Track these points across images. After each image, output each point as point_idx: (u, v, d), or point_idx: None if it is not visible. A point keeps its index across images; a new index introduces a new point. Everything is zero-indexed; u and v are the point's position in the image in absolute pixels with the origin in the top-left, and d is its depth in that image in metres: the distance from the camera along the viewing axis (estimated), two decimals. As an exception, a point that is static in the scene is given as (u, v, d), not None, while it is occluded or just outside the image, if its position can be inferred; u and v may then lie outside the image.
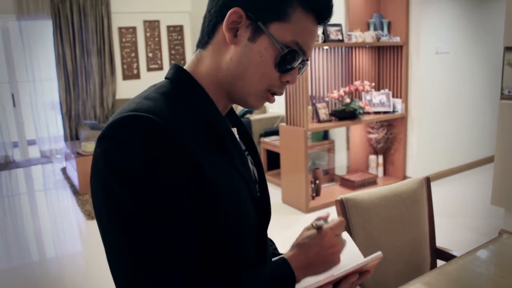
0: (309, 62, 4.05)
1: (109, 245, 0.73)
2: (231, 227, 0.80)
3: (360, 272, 0.88)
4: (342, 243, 0.89)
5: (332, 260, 0.86)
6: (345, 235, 1.09)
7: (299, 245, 0.87)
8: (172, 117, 0.74)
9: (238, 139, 0.90)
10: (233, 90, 0.85)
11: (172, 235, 0.70)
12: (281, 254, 1.12)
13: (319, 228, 0.87)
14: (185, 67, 0.87)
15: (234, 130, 0.90)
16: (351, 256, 0.98)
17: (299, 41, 0.80)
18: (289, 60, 0.80)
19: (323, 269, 0.86)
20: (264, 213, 0.91)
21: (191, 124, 0.77)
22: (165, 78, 0.86)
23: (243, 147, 0.94)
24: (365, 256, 0.96)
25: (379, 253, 0.89)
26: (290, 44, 0.79)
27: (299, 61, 0.82)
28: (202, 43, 0.86)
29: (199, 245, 0.75)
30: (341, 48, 4.63)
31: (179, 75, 0.85)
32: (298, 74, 0.87)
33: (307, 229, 0.89)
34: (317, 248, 0.85)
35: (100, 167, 0.72)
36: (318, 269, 0.86)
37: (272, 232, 1.14)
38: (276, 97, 0.88)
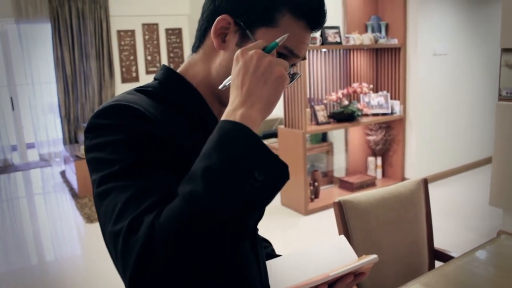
0: (304, 70, 3.95)
1: (98, 210, 0.72)
2: None
3: (355, 273, 0.89)
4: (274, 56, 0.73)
5: (272, 72, 0.69)
6: (341, 237, 1.10)
7: (231, 87, 0.72)
8: (153, 111, 0.75)
9: None
10: (222, 94, 0.85)
11: (153, 191, 0.67)
12: (279, 255, 1.13)
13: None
14: (178, 70, 0.88)
15: None
16: (346, 257, 0.99)
17: (288, 45, 0.79)
18: None
19: (267, 89, 0.69)
20: None
21: (176, 120, 0.79)
22: (154, 78, 0.88)
23: None
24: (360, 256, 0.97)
25: (375, 256, 0.90)
26: (278, 49, 0.77)
27: (288, 68, 0.80)
28: (195, 47, 0.88)
29: None
30: (339, 50, 4.64)
31: (168, 75, 0.86)
32: (290, 82, 0.85)
33: None
34: (243, 71, 0.70)
35: (89, 154, 0.73)
36: (261, 90, 0.69)
37: (271, 234, 1.15)
38: None
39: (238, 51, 0.72)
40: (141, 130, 0.71)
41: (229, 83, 0.74)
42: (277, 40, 0.73)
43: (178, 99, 0.83)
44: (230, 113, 0.68)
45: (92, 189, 0.75)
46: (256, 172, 0.63)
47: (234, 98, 0.70)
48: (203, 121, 0.83)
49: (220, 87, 0.78)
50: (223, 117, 0.69)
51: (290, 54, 0.81)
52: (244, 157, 0.63)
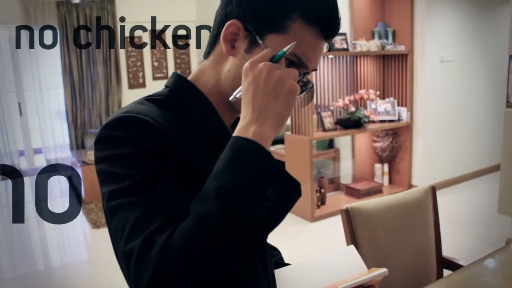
0: (312, 77, 3.94)
1: (110, 226, 0.72)
2: None
3: (364, 286, 0.88)
4: (283, 67, 0.71)
5: (283, 86, 0.68)
6: (351, 248, 1.09)
7: (242, 102, 0.71)
8: (162, 121, 0.74)
9: None
10: (234, 101, 0.85)
11: (164, 209, 0.67)
12: (287, 264, 1.12)
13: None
14: (188, 77, 0.88)
15: None
16: (355, 268, 0.98)
17: (298, 53, 0.77)
18: None
19: (279, 104, 0.68)
20: None
21: (186, 129, 0.78)
22: (165, 86, 0.87)
23: None
24: (369, 266, 0.96)
25: (385, 270, 0.89)
26: (287, 56, 0.75)
27: (298, 76, 0.79)
28: (206, 53, 0.88)
29: None
30: (346, 57, 4.64)
31: (178, 83, 0.86)
32: (302, 92, 0.84)
33: None
34: (253, 86, 0.69)
35: (99, 166, 0.74)
36: (273, 105, 0.68)
37: (278, 242, 1.14)
38: None
39: (247, 64, 0.70)
40: (150, 144, 0.70)
41: (240, 95, 0.73)
42: (285, 49, 0.72)
43: (188, 108, 0.82)
44: (243, 129, 0.67)
45: (102, 201, 0.75)
46: (268, 191, 0.63)
47: (245, 114, 0.69)
48: (213, 131, 0.83)
49: (230, 99, 0.77)
50: (235, 133, 0.68)
51: (299, 63, 0.79)
52: (257, 177, 0.63)
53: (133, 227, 0.65)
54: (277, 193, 0.63)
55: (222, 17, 0.81)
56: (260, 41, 0.77)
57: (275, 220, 0.66)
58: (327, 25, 0.79)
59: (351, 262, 0.93)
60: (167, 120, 0.76)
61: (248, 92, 0.69)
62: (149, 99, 0.82)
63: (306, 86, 0.86)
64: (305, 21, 0.76)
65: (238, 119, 0.93)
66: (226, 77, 0.83)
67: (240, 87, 0.72)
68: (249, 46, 0.79)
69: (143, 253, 0.62)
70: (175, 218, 0.65)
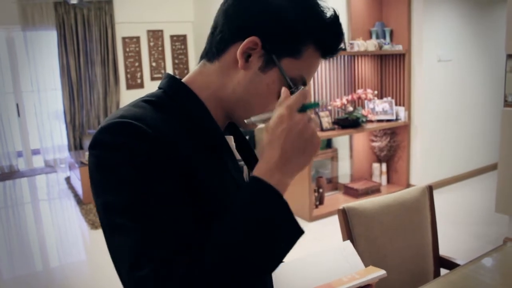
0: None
1: (109, 243, 0.73)
2: None
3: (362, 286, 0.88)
4: (313, 120, 0.76)
5: (313, 143, 0.73)
6: (347, 244, 1.09)
7: (265, 145, 0.74)
8: (158, 123, 0.75)
9: (234, 148, 0.90)
10: (233, 111, 0.86)
11: (167, 230, 0.69)
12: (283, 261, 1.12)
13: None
14: (184, 78, 0.87)
15: (231, 138, 0.90)
16: (352, 265, 0.98)
17: (304, 76, 0.82)
18: (292, 93, 0.80)
19: (304, 158, 0.73)
20: None
21: (181, 130, 0.78)
22: (158, 87, 0.87)
23: (239, 156, 0.93)
24: (366, 265, 0.96)
25: (383, 272, 0.89)
26: (297, 79, 0.81)
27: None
28: (209, 56, 0.85)
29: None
30: (344, 56, 4.64)
31: (172, 84, 0.85)
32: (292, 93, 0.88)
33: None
34: (286, 134, 0.72)
35: (93, 174, 0.74)
36: (298, 159, 0.73)
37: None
38: None
39: (284, 110, 0.72)
40: (145, 153, 0.71)
41: (261, 121, 0.78)
42: (319, 102, 0.78)
43: (183, 109, 0.82)
44: (266, 172, 0.71)
45: (95, 206, 0.76)
46: (281, 242, 0.71)
47: (270, 157, 0.72)
48: (209, 131, 0.83)
49: (251, 121, 0.81)
50: (256, 172, 0.72)
51: (303, 82, 0.83)
52: (273, 229, 0.69)
53: (137, 251, 0.67)
54: (287, 243, 0.71)
55: (238, 27, 0.81)
56: (278, 64, 0.79)
57: (277, 263, 0.73)
58: (332, 50, 0.84)
59: (348, 259, 0.94)
60: (163, 122, 0.76)
61: (280, 138, 0.72)
62: (145, 100, 0.82)
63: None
64: (316, 48, 0.81)
65: (230, 124, 0.94)
66: (233, 89, 0.83)
67: (266, 115, 0.77)
68: (264, 65, 0.80)
69: (156, 282, 0.65)
70: (178, 246, 0.68)
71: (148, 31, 7.11)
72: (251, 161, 0.97)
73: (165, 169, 0.71)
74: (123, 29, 6.88)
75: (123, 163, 0.70)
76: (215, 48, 0.84)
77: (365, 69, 4.78)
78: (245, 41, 0.79)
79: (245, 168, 0.93)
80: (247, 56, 0.80)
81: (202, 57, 0.88)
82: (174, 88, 0.84)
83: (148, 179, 0.70)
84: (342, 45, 0.84)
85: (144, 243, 0.67)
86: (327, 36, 0.81)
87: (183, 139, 0.77)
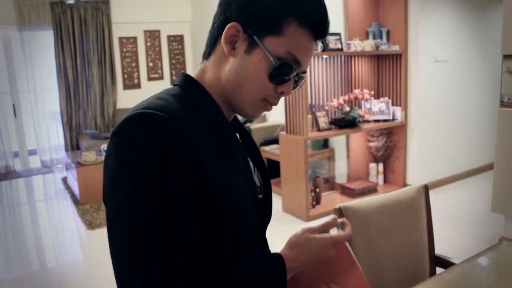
0: (306, 76, 4.06)
1: (113, 239, 0.75)
2: (233, 227, 0.83)
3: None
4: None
5: (329, 256, 0.89)
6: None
7: (298, 245, 0.89)
8: (181, 116, 0.78)
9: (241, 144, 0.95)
10: (231, 99, 0.89)
11: (176, 229, 0.72)
12: None
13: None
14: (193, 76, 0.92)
15: (237, 135, 0.94)
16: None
17: (293, 52, 0.83)
18: (283, 72, 0.84)
19: (314, 260, 0.89)
20: (264, 214, 0.95)
21: (199, 124, 0.82)
22: (174, 85, 0.90)
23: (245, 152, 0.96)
24: (362, 265, 0.97)
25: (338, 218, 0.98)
26: (283, 56, 0.83)
27: (294, 73, 0.86)
28: (206, 55, 0.92)
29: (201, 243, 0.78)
30: (341, 57, 4.65)
31: (187, 81, 0.89)
32: (296, 87, 0.91)
33: (311, 231, 0.92)
34: (315, 256, 0.88)
35: (111, 161, 0.75)
36: (312, 261, 0.89)
37: (272, 241, 1.15)
38: (276, 106, 0.92)
39: (331, 241, 0.90)
40: (165, 149, 0.73)
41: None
42: (338, 222, 0.97)
43: (200, 105, 0.86)
44: (289, 262, 0.85)
45: (103, 199, 0.78)
46: None
47: (295, 255, 0.87)
48: (221, 125, 0.86)
49: (339, 220, 0.96)
50: (283, 255, 0.86)
51: (294, 61, 0.84)
52: None
53: (148, 266, 0.71)
54: None
55: (222, 21, 0.86)
56: (259, 43, 0.82)
57: None
58: (320, 27, 0.85)
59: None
60: (184, 115, 0.79)
61: (310, 255, 0.87)
62: (168, 93, 0.85)
63: (297, 84, 0.91)
64: (300, 24, 0.82)
65: (235, 118, 1.00)
66: (226, 77, 0.87)
67: (341, 233, 0.93)
68: (248, 47, 0.83)
69: None
70: (193, 262, 0.74)
71: (145, 31, 7.11)
72: (255, 152, 1.02)
73: (182, 167, 0.74)
74: (120, 29, 6.88)
75: (142, 159, 0.72)
76: (209, 46, 0.90)
77: (362, 69, 4.79)
78: (226, 28, 0.83)
79: (251, 163, 0.97)
80: (233, 44, 0.84)
81: (203, 58, 0.93)
82: (191, 86, 0.88)
83: (164, 179, 0.72)
84: (328, 20, 0.85)
85: (160, 258, 0.71)
86: (306, 9, 0.82)
87: (200, 134, 0.80)
